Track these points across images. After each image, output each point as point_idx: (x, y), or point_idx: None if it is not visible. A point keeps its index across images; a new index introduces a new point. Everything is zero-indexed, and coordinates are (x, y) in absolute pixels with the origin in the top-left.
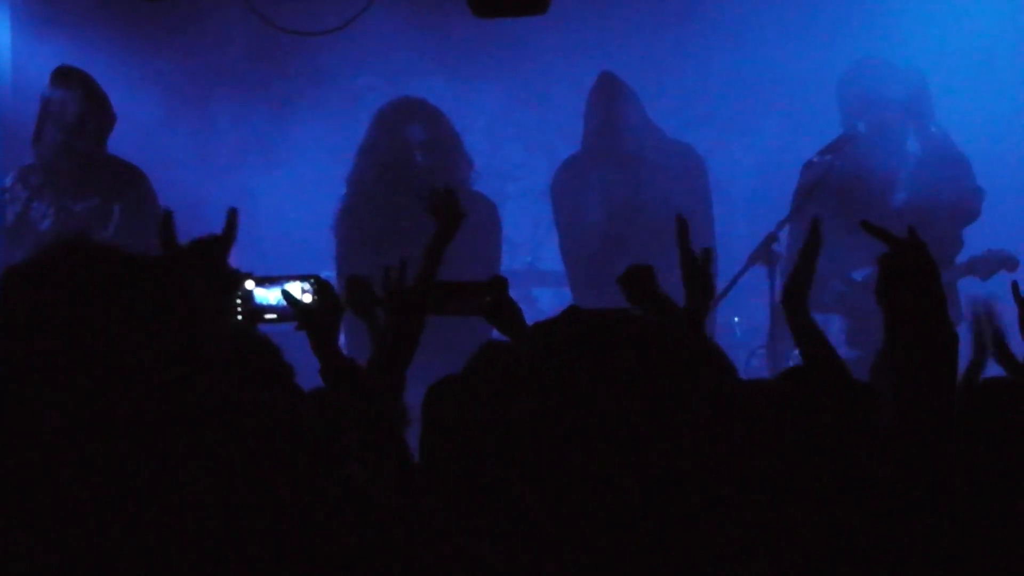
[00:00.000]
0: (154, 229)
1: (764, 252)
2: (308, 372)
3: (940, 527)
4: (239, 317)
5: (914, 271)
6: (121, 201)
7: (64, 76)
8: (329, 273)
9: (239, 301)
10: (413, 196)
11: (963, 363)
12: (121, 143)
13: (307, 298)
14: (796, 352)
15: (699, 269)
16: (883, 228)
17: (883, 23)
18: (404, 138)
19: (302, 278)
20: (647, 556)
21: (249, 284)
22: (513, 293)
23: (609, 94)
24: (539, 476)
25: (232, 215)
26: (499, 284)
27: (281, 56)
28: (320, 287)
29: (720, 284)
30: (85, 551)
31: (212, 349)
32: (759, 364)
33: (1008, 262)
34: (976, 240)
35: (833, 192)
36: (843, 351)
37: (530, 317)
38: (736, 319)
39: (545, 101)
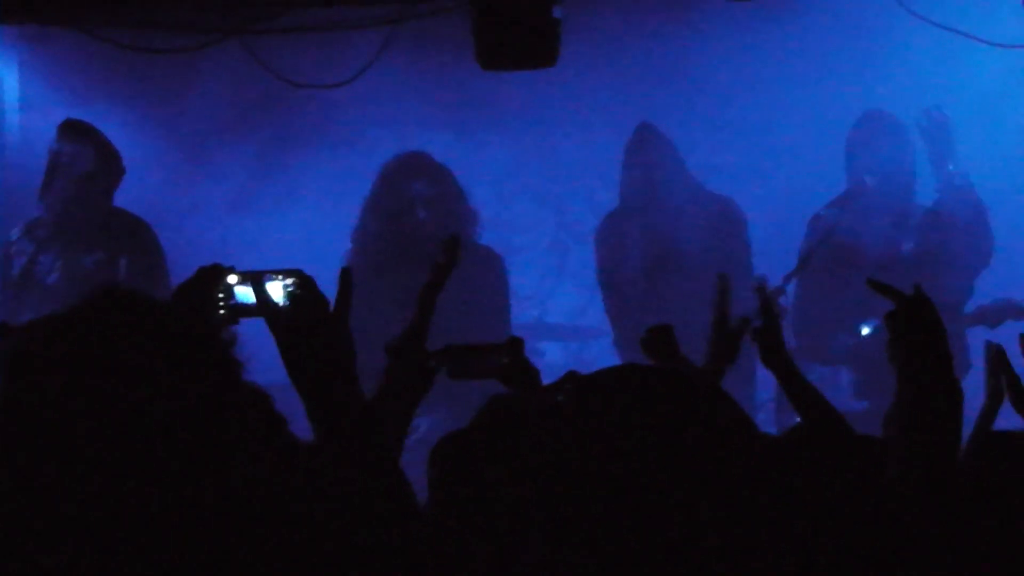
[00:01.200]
0: (160, 282)
1: (772, 306)
2: None
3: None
4: (220, 313)
5: (919, 328)
6: (127, 254)
7: (74, 129)
8: None
9: (220, 296)
10: (418, 252)
11: (975, 412)
12: (126, 195)
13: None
14: None
15: (730, 333)
16: (888, 285)
17: (894, 74)
18: (407, 194)
19: (285, 273)
20: None
21: (231, 279)
22: None
23: (645, 147)
24: (554, 532)
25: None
26: (515, 345)
27: (288, 109)
28: (303, 283)
29: None
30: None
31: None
32: (767, 418)
33: (1016, 311)
34: (984, 288)
35: (840, 245)
36: (851, 403)
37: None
38: None
39: (553, 154)
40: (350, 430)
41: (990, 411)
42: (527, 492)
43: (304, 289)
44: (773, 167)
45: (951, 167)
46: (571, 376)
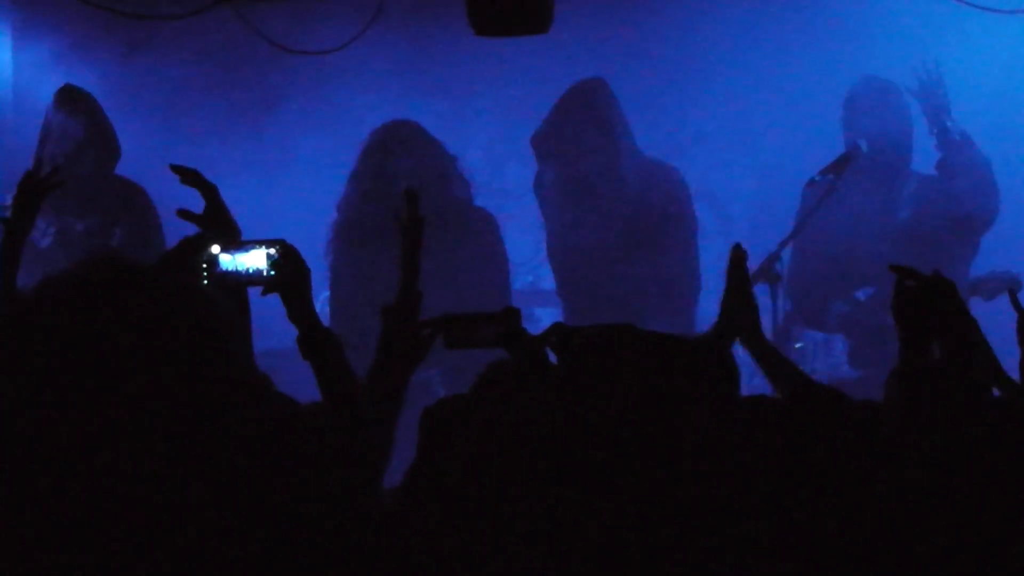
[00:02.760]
0: (156, 247)
1: (766, 271)
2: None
3: (943, 543)
4: (204, 282)
5: (937, 311)
6: (122, 220)
7: (69, 99)
8: (325, 293)
9: (204, 267)
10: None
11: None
12: (123, 159)
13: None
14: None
15: (743, 302)
16: (911, 268)
17: (889, 40)
18: (388, 170)
19: (268, 243)
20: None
21: (215, 249)
22: None
23: (587, 102)
24: (554, 490)
25: None
26: (512, 315)
27: (280, 75)
28: (286, 252)
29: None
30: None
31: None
32: (761, 383)
33: (1012, 282)
34: (980, 259)
35: (836, 211)
36: (846, 371)
37: None
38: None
39: None
40: (335, 399)
41: None
42: (512, 458)
43: (287, 258)
44: (767, 133)
45: (948, 123)
46: (557, 328)
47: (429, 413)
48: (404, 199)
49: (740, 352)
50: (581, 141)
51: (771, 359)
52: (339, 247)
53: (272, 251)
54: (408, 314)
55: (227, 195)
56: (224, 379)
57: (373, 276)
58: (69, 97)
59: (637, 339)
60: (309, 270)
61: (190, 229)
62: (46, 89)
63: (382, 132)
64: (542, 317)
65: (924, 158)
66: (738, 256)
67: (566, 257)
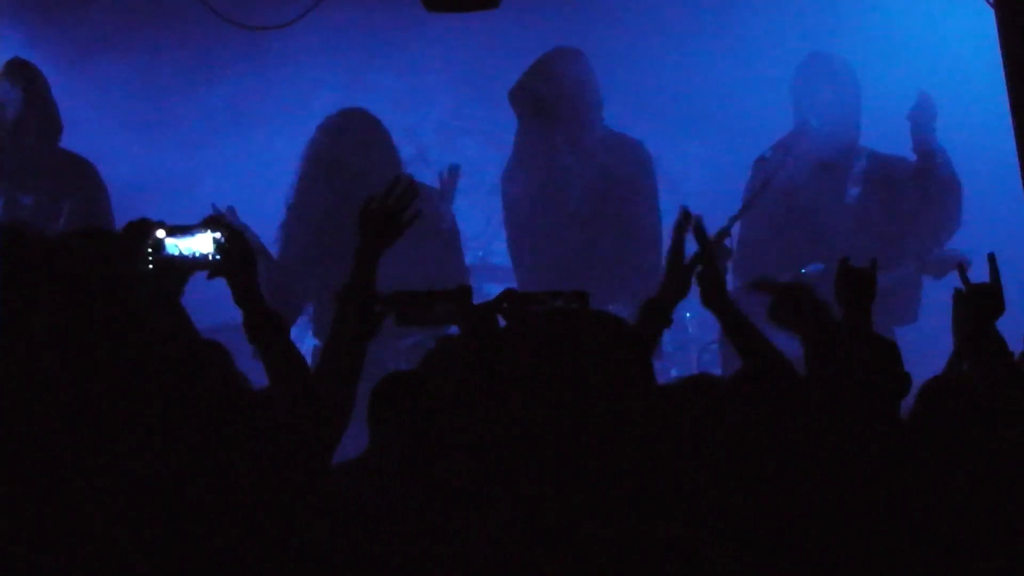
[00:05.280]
0: (103, 222)
1: (716, 247)
2: None
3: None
4: (149, 267)
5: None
6: (70, 196)
7: (9, 72)
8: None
9: (149, 251)
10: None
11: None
12: (71, 138)
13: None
14: None
15: (684, 267)
16: (770, 283)
17: (839, 20)
18: (336, 157)
19: (213, 227)
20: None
21: (160, 233)
22: None
23: (563, 66)
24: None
25: None
26: (463, 293)
27: (230, 49)
28: (232, 236)
29: None
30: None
31: (157, 339)
32: (711, 359)
33: (960, 263)
34: None
35: (785, 187)
36: (792, 347)
37: None
38: (688, 315)
39: (497, 96)
40: (281, 380)
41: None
42: (462, 429)
43: (233, 242)
44: (718, 110)
45: (934, 147)
46: (508, 294)
47: (378, 390)
48: (394, 182)
49: (699, 322)
50: (551, 107)
51: (733, 323)
52: (287, 229)
53: (218, 235)
54: (362, 291)
55: (173, 172)
56: (140, 351)
57: (319, 260)
58: (10, 72)
59: (579, 320)
60: (255, 253)
61: (138, 207)
62: None
63: (330, 120)
64: (492, 292)
65: (876, 136)
66: (681, 219)
67: (528, 224)
